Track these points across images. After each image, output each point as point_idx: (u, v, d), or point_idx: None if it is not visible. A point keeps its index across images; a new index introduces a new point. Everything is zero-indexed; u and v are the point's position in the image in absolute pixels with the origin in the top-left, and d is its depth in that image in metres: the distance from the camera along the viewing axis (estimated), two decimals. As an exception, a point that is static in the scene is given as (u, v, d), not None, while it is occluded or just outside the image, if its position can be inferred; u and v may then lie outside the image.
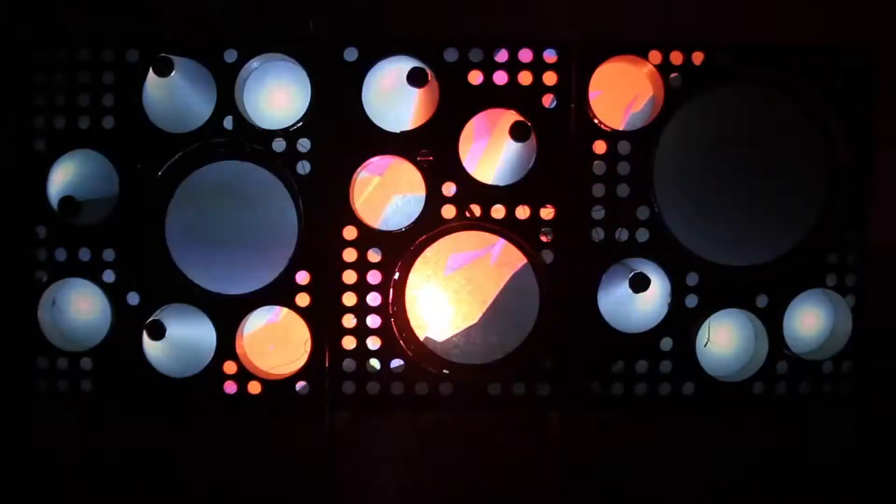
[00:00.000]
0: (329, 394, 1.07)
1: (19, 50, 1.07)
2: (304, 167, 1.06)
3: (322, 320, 1.06)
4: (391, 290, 1.06)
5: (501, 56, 1.05)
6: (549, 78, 1.05)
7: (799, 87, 1.09)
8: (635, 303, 1.07)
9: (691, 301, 1.08)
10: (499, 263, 1.09)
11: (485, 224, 1.06)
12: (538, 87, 1.05)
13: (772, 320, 1.08)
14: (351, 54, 1.05)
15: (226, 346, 1.06)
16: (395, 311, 1.07)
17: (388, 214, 1.10)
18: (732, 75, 1.08)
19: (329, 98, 1.05)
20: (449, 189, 1.05)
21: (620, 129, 1.07)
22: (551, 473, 1.06)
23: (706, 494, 0.97)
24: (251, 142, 1.06)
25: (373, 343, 1.07)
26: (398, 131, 1.06)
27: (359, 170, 1.06)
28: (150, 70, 1.04)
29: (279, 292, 1.06)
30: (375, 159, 1.06)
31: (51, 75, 1.06)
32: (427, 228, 1.06)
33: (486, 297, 1.09)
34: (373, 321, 1.07)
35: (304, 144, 1.06)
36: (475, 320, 1.09)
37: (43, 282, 1.07)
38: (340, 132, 1.05)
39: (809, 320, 1.11)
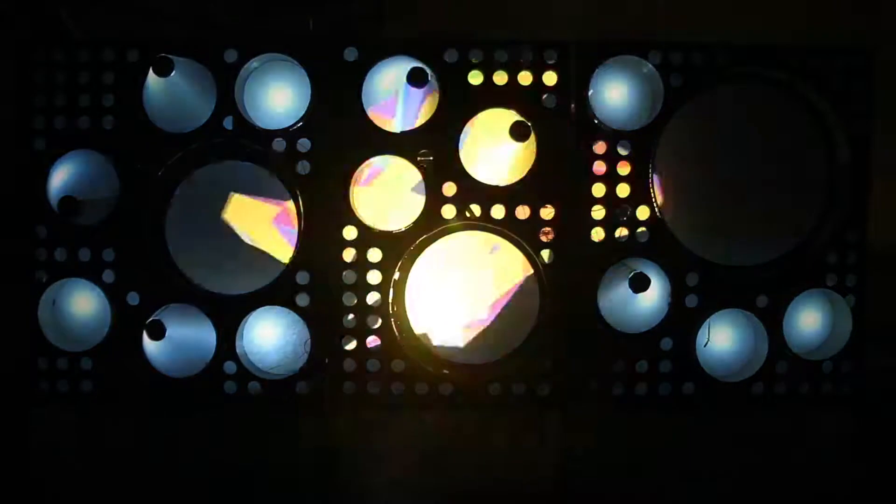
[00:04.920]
0: (329, 394, 1.07)
1: (19, 50, 1.07)
2: (304, 167, 1.06)
3: (322, 320, 1.06)
4: (391, 290, 1.06)
5: (501, 56, 1.05)
6: (549, 78, 1.05)
7: (799, 87, 1.09)
8: (636, 303, 1.07)
9: (691, 301, 1.08)
10: (498, 263, 1.09)
11: (485, 224, 1.06)
12: (538, 87, 1.05)
13: (772, 320, 1.08)
14: (351, 54, 1.05)
15: (226, 346, 1.06)
16: (395, 311, 1.07)
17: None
18: (732, 75, 1.08)
19: (329, 98, 1.05)
20: (449, 189, 1.05)
21: (620, 129, 1.07)
22: (551, 473, 1.06)
23: (706, 494, 0.96)
24: (251, 142, 1.06)
25: (373, 343, 1.07)
26: (398, 131, 1.06)
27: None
28: (150, 70, 1.04)
29: (279, 292, 1.06)
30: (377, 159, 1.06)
31: (51, 75, 1.06)
32: (427, 228, 1.06)
33: (486, 296, 1.09)
34: (373, 321, 1.07)
35: (304, 144, 1.06)
36: (475, 320, 1.09)
37: (43, 282, 1.07)
38: (340, 132, 1.05)
39: (809, 320, 1.11)
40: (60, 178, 1.07)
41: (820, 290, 1.09)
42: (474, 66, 1.05)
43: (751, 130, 1.10)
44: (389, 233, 1.06)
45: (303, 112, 1.05)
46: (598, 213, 1.07)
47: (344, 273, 1.06)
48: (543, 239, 1.06)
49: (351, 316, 1.06)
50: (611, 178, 1.06)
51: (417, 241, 1.06)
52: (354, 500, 1.00)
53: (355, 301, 1.06)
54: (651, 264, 1.07)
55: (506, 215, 1.06)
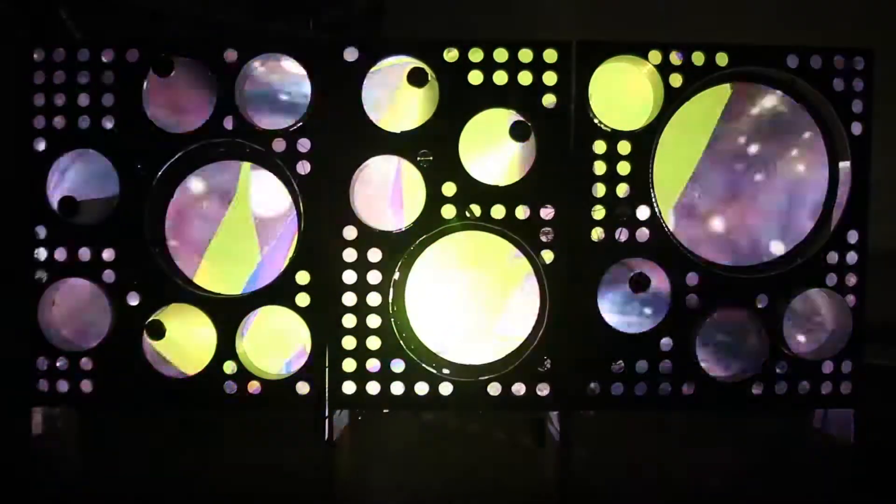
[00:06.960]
0: (329, 394, 1.07)
1: (19, 50, 1.07)
2: (304, 167, 1.06)
3: (322, 320, 1.06)
4: (391, 290, 1.06)
5: (501, 56, 1.05)
6: (549, 78, 1.05)
7: (799, 87, 1.09)
8: (636, 303, 1.07)
9: (691, 301, 1.07)
10: (498, 263, 1.09)
11: (485, 224, 1.06)
12: (538, 87, 1.06)
13: (772, 320, 1.08)
14: (351, 54, 1.05)
15: (226, 346, 1.06)
16: (395, 311, 1.07)
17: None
18: (732, 75, 1.08)
19: (329, 98, 1.05)
20: (449, 189, 1.06)
21: (620, 129, 1.06)
22: (551, 473, 1.06)
23: (706, 494, 0.97)
24: (251, 142, 1.06)
25: (373, 343, 1.07)
26: (398, 131, 1.06)
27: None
28: (150, 70, 1.04)
29: (279, 292, 1.06)
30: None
31: (51, 75, 1.06)
32: (427, 228, 1.06)
33: (486, 297, 1.09)
34: (373, 321, 1.07)
35: (304, 144, 1.06)
36: (475, 320, 1.09)
37: (43, 282, 1.07)
38: (340, 132, 1.05)
39: (809, 320, 1.11)
40: (60, 178, 1.07)
41: (820, 290, 1.09)
42: (474, 66, 1.05)
43: (751, 130, 1.10)
44: (389, 233, 1.06)
45: (303, 112, 1.05)
46: (598, 213, 1.07)
47: (344, 273, 1.06)
48: (543, 239, 1.06)
49: (351, 316, 1.06)
50: (611, 178, 1.06)
51: (417, 241, 1.06)
52: (354, 500, 1.00)
53: (355, 301, 1.06)
54: (651, 264, 1.07)
55: (506, 215, 1.06)
